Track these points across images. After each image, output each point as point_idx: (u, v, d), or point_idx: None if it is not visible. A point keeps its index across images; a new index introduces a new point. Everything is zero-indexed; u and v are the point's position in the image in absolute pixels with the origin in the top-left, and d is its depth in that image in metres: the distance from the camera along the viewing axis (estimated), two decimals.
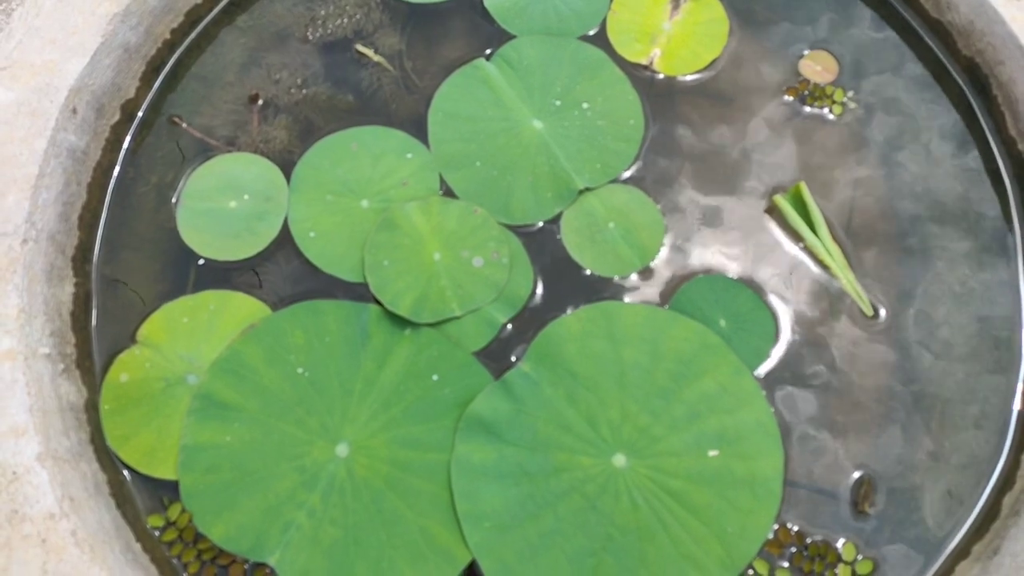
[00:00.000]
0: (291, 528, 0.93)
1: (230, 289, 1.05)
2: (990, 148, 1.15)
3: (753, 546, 0.93)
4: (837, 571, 0.94)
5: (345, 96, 1.18)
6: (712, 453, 0.97)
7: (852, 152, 1.15)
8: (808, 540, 0.96)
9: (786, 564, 0.95)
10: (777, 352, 1.04)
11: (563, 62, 1.20)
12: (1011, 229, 1.10)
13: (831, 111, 1.17)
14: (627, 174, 1.13)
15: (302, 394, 1.00)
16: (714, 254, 1.09)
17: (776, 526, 0.96)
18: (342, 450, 0.97)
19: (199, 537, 0.94)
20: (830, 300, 1.06)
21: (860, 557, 0.95)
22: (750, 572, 0.94)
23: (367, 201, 1.11)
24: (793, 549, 0.95)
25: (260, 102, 1.17)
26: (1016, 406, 1.01)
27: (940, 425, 1.01)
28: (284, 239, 1.08)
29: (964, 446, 1.00)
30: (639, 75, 1.20)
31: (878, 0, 1.26)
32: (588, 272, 1.08)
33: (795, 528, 0.96)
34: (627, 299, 1.06)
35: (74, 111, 1.04)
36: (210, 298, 1.05)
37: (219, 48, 1.21)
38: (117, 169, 1.12)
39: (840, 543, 0.95)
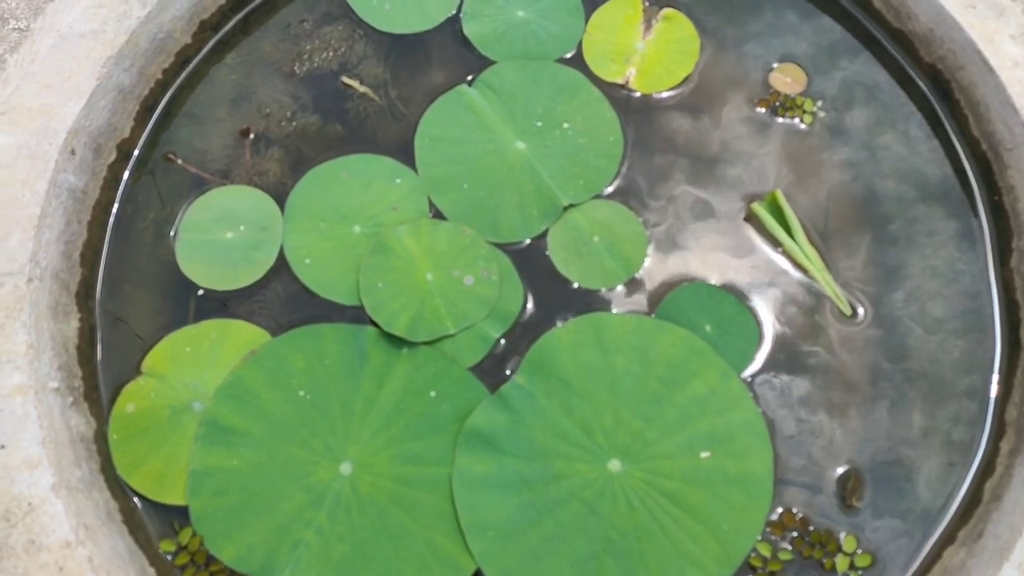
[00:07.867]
0: (300, 546, 0.96)
1: (230, 317, 1.08)
2: (955, 150, 1.19)
3: (748, 541, 0.96)
4: (836, 560, 0.97)
5: (334, 126, 1.22)
6: (704, 454, 1.00)
7: (824, 159, 1.19)
8: (811, 528, 0.99)
9: (788, 547, 0.98)
10: (761, 354, 1.07)
11: (542, 84, 1.24)
12: (980, 227, 1.15)
13: (802, 121, 1.22)
14: (609, 189, 1.17)
15: (305, 416, 1.02)
16: (697, 262, 1.13)
17: (780, 510, 1.00)
18: (346, 469, 1.00)
19: (211, 559, 0.96)
20: (810, 301, 1.10)
21: (860, 551, 0.98)
22: (753, 554, 0.97)
23: (359, 226, 1.14)
24: (795, 534, 0.99)
25: (252, 136, 1.21)
26: (992, 394, 1.06)
27: (923, 418, 1.04)
28: (281, 267, 1.12)
29: (947, 435, 1.04)
30: (616, 94, 1.24)
31: (842, 13, 1.31)
32: (576, 285, 1.11)
33: (800, 514, 0.99)
34: (615, 310, 1.10)
35: (72, 152, 1.08)
36: (211, 327, 1.08)
37: (210, 86, 1.24)
38: (116, 206, 1.15)
39: (842, 535, 0.99)
